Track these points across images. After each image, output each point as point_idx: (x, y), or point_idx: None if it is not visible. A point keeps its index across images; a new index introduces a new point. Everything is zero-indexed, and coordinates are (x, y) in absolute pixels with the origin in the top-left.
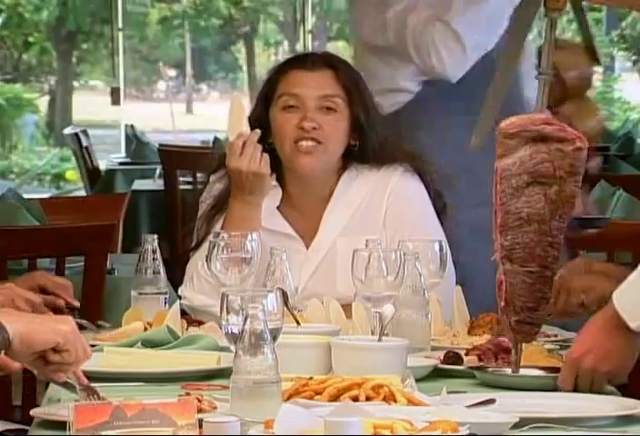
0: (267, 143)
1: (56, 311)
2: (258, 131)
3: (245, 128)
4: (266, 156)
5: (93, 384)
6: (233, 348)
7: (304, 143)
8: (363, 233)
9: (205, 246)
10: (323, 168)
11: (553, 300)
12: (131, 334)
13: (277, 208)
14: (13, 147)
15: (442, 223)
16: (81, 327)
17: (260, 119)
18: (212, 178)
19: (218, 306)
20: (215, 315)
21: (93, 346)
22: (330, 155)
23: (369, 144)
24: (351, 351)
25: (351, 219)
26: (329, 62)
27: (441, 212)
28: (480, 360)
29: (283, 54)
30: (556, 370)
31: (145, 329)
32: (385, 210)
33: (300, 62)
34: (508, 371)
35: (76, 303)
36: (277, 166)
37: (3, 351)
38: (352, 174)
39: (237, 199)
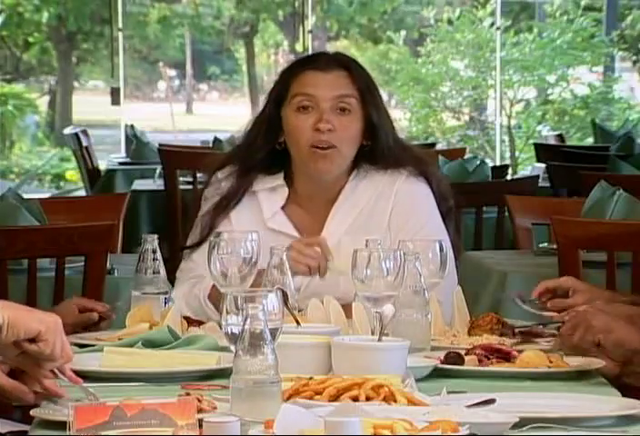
0: (278, 143)
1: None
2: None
3: None
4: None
5: (93, 384)
6: (233, 348)
7: (320, 151)
8: (367, 234)
9: (205, 246)
10: (337, 170)
11: (569, 332)
12: (135, 334)
13: (282, 208)
14: (13, 147)
15: (446, 227)
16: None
17: (271, 118)
18: (219, 175)
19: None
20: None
21: (92, 346)
22: (344, 158)
23: (379, 145)
24: (351, 351)
25: (356, 219)
26: (343, 62)
27: (446, 215)
28: (480, 361)
29: (283, 54)
30: None
31: (151, 328)
32: (390, 211)
33: (314, 62)
34: None
35: (112, 315)
36: (286, 165)
37: None
38: (360, 175)
39: None
